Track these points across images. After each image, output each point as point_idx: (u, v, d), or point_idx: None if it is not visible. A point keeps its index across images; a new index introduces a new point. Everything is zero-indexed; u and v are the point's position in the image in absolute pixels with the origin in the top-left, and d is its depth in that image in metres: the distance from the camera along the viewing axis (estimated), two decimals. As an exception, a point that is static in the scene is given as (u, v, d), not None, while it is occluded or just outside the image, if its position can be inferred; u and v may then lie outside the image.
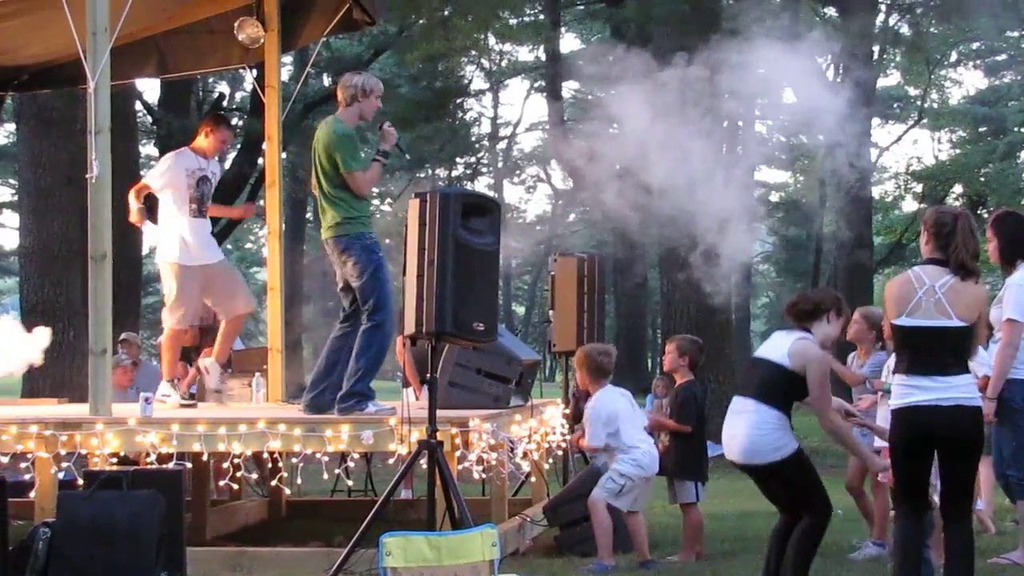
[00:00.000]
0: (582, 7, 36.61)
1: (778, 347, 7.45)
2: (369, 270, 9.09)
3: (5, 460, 9.01)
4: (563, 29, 36.03)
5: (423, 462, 8.14)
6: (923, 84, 34.82)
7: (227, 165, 27.57)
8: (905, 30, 28.38)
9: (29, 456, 8.86)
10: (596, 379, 9.29)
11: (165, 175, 10.49)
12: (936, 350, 6.81)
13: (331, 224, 9.21)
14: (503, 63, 43.37)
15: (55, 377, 16.15)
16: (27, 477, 9.05)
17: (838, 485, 9.58)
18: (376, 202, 61.88)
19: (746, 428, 7.37)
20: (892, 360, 8.47)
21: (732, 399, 7.67)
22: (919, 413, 6.80)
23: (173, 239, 10.39)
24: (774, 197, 54.45)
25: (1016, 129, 38.56)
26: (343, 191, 9.15)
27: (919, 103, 37.45)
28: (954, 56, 36.16)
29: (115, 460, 8.93)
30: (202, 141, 10.65)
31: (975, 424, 6.83)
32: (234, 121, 36.60)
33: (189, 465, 9.61)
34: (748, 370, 7.80)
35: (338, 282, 9.31)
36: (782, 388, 7.37)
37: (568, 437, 11.37)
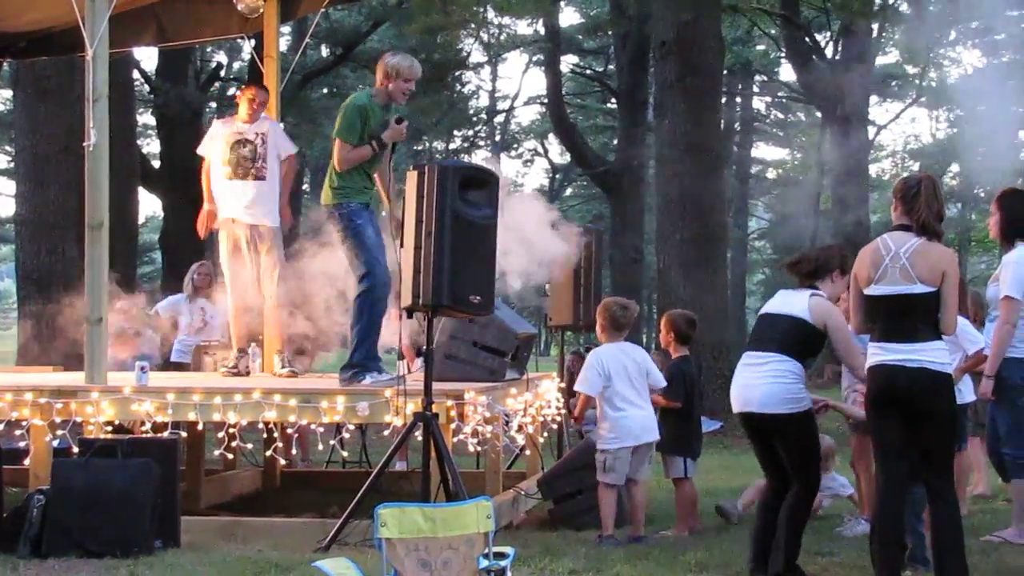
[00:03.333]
0: (581, -20, 36.51)
1: (795, 303, 7.48)
2: (348, 237, 9.17)
3: (0, 427, 9.01)
4: (562, 3, 35.88)
5: (418, 434, 8.16)
6: (922, 62, 34.71)
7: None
8: (905, 7, 28.26)
9: (24, 423, 8.85)
10: (610, 332, 9.17)
11: (207, 143, 10.83)
12: (904, 317, 6.82)
13: (324, 193, 9.38)
14: (502, 36, 43.21)
15: (51, 345, 16.12)
16: (22, 444, 9.04)
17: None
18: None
19: (765, 376, 7.38)
20: None
21: (743, 355, 7.67)
22: (884, 370, 6.85)
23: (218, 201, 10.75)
24: (771, 174, 54.49)
25: (1014, 108, 38.44)
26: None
27: (917, 81, 37.34)
28: (953, 35, 35.99)
29: (110, 428, 8.93)
30: (240, 107, 10.82)
31: (940, 389, 6.79)
32: (231, 91, 36.66)
33: (184, 434, 9.65)
34: (762, 326, 7.72)
35: None
36: (802, 342, 7.42)
37: (563, 412, 11.38)
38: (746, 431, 7.77)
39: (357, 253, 9.13)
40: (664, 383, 9.24)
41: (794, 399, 7.33)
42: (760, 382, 7.40)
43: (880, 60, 35.97)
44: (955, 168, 39.36)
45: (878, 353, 6.88)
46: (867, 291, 6.95)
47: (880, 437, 6.99)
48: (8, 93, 28.90)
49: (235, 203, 10.66)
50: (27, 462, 8.81)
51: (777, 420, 7.38)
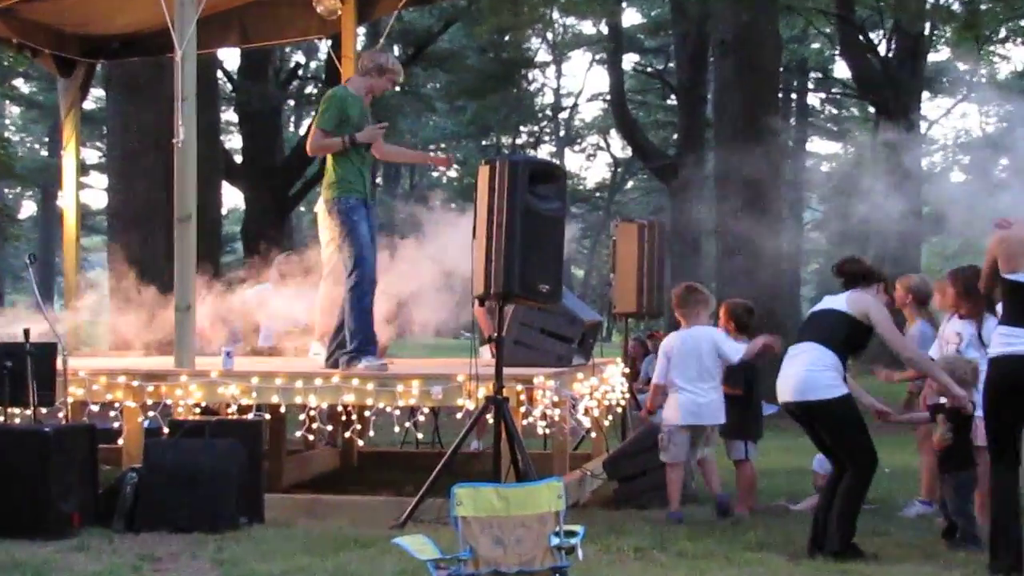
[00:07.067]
0: (644, -19, 36.41)
1: (836, 300, 7.54)
2: (343, 233, 9.07)
3: (95, 409, 9.11)
4: (624, 3, 35.76)
5: (489, 417, 8.16)
6: (972, 59, 34.29)
7: (302, 131, 27.59)
8: (957, 7, 27.88)
9: (117, 405, 8.96)
10: (680, 316, 9.27)
11: None
12: None
13: (324, 185, 9.29)
14: (567, 36, 43.15)
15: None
16: (115, 425, 9.14)
17: (888, 445, 9.51)
18: (443, 167, 61.99)
19: (801, 366, 7.41)
20: (946, 329, 8.40)
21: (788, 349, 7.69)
22: (1013, 362, 6.70)
23: None
24: (825, 167, 54.03)
25: (1063, 105, 37.95)
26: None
27: (968, 77, 36.95)
28: (1003, 32, 35.49)
29: (198, 410, 9.00)
30: None
31: None
32: (309, 89, 36.84)
33: (268, 416, 9.69)
34: (806, 322, 7.83)
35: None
36: (842, 333, 7.42)
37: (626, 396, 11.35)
38: (794, 420, 7.74)
39: (349, 249, 9.06)
40: (735, 357, 9.09)
41: (826, 386, 7.33)
42: (795, 372, 7.45)
43: (932, 57, 35.52)
44: (1004, 162, 38.85)
45: (1008, 343, 6.73)
46: (1005, 276, 6.79)
47: (996, 425, 6.87)
48: (100, 92, 29.16)
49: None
50: (120, 441, 8.91)
51: (812, 407, 7.40)
